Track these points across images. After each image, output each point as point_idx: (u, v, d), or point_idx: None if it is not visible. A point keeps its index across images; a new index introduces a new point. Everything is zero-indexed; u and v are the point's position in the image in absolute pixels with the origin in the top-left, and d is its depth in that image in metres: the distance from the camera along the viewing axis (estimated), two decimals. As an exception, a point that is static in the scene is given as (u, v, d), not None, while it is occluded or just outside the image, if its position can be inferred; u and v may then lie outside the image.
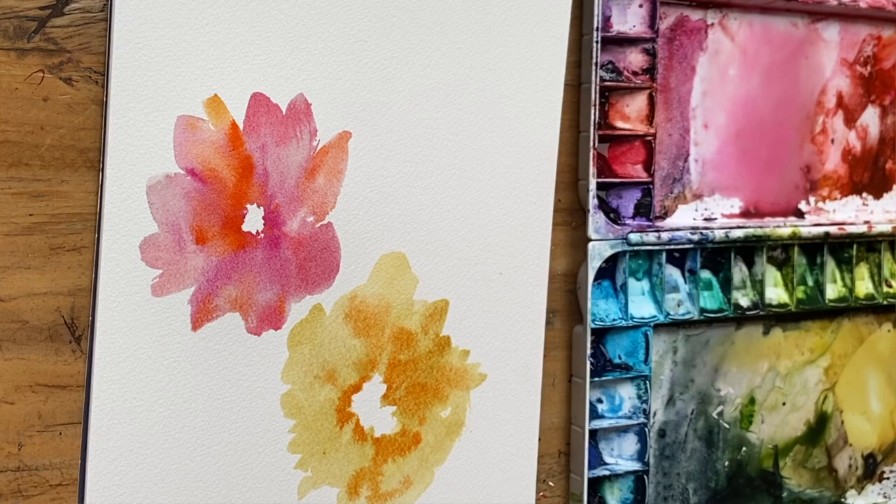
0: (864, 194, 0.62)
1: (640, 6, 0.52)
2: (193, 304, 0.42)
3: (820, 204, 0.60)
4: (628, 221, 0.52)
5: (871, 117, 0.62)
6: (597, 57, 0.50)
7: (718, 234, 0.54)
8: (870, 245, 0.61)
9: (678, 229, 0.53)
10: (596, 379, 0.51)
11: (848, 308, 0.60)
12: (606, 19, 0.51)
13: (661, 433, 0.55)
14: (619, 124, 0.52)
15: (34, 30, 0.39)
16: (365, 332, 0.46)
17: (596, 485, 0.52)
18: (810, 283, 0.59)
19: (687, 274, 0.54)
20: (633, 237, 0.52)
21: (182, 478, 0.42)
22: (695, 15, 0.55)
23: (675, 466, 0.55)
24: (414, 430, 0.48)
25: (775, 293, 0.57)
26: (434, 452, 0.49)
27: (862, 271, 0.61)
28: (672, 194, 0.55)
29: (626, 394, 0.53)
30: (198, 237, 0.41)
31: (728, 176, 0.56)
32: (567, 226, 0.52)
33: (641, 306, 0.53)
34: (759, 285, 0.56)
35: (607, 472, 0.52)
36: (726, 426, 0.57)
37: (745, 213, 0.57)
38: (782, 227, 0.57)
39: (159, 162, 0.40)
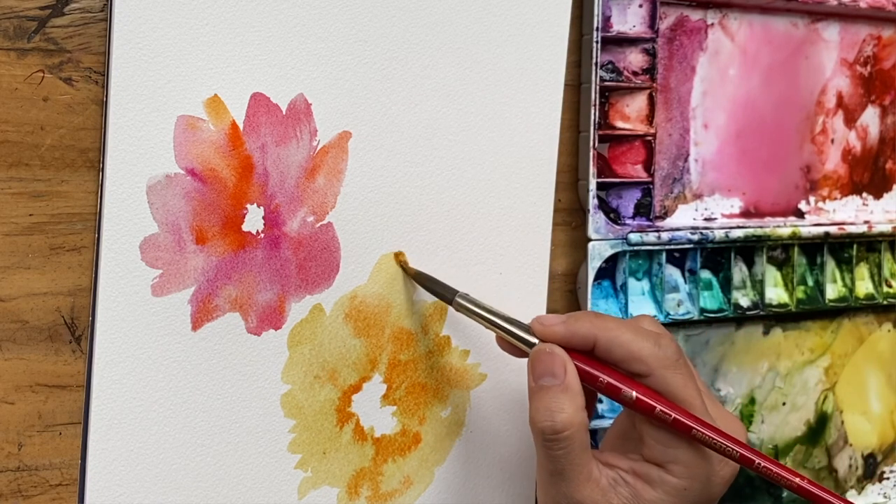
0: (864, 194, 0.62)
1: (640, 6, 0.52)
2: (193, 304, 0.42)
3: (820, 204, 0.60)
4: (628, 221, 0.52)
5: (871, 117, 0.62)
6: (597, 57, 0.50)
7: (718, 234, 0.54)
8: (870, 245, 0.61)
9: (678, 229, 0.53)
10: (596, 379, 0.51)
11: (848, 308, 0.60)
12: (606, 19, 0.51)
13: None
14: (619, 124, 0.52)
15: (34, 30, 0.39)
16: (365, 332, 0.46)
17: (596, 485, 0.52)
18: (810, 283, 0.59)
19: (687, 274, 0.54)
20: (633, 237, 0.52)
21: (182, 478, 0.42)
22: (695, 15, 0.55)
23: (675, 466, 0.55)
24: (414, 430, 0.48)
25: (775, 293, 0.57)
26: (434, 452, 0.49)
27: (862, 271, 0.61)
28: (672, 194, 0.55)
29: (626, 394, 0.53)
30: (198, 237, 0.41)
31: (728, 176, 0.56)
32: (567, 226, 0.52)
33: (641, 306, 0.53)
34: (759, 285, 0.56)
35: (607, 472, 0.52)
36: (726, 426, 0.57)
37: (745, 213, 0.57)
38: (782, 227, 0.57)
39: (159, 162, 0.40)
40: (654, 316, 0.53)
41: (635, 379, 0.41)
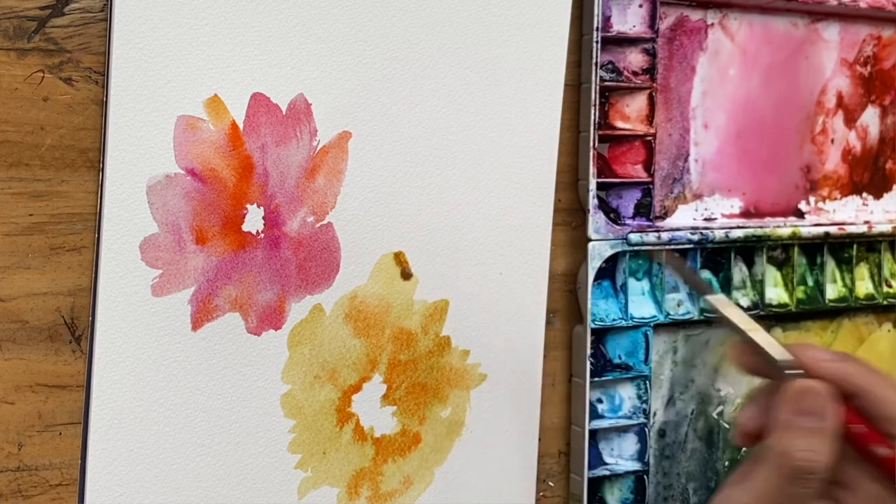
0: (864, 194, 0.62)
1: (640, 6, 0.52)
2: (193, 304, 0.42)
3: (820, 204, 0.60)
4: (628, 221, 0.52)
5: (871, 117, 0.62)
6: (597, 57, 0.50)
7: (718, 234, 0.54)
8: (870, 245, 0.61)
9: (678, 229, 0.53)
10: (596, 379, 0.51)
11: (848, 308, 0.60)
12: (606, 19, 0.51)
13: (661, 433, 0.55)
14: (619, 124, 0.52)
15: (34, 30, 0.39)
16: (365, 332, 0.46)
17: (596, 485, 0.52)
18: (810, 283, 0.59)
19: (687, 274, 0.55)
20: (633, 237, 0.51)
21: (182, 478, 0.42)
22: (695, 15, 0.55)
23: (675, 466, 0.55)
24: (414, 430, 0.48)
25: (775, 293, 0.57)
26: (434, 452, 0.49)
27: (862, 271, 0.61)
28: (672, 194, 0.55)
29: (626, 394, 0.53)
30: (198, 237, 0.41)
31: (728, 176, 0.56)
32: (567, 226, 0.52)
33: (641, 306, 0.53)
34: (759, 285, 0.56)
35: (607, 472, 0.52)
36: (726, 426, 0.57)
37: (745, 213, 0.57)
38: (782, 227, 0.57)
39: (159, 162, 0.40)
40: (654, 316, 0.53)
41: (886, 437, 0.40)
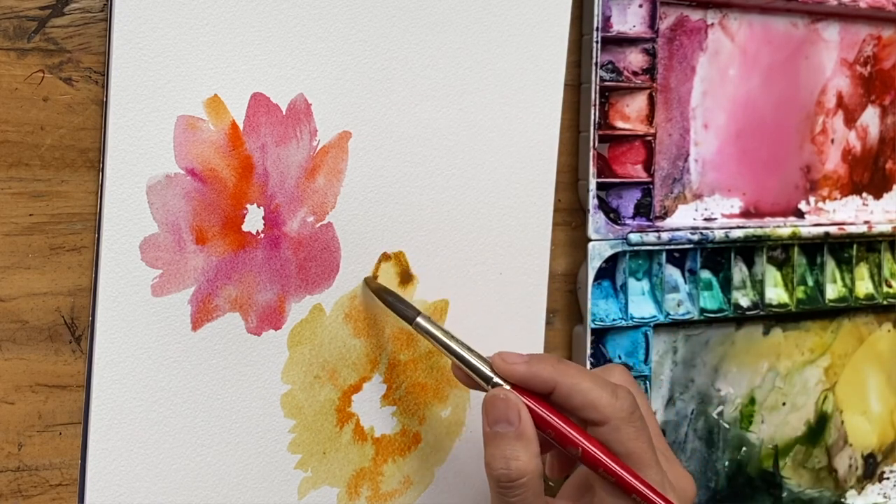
0: (864, 194, 0.62)
1: (640, 6, 0.52)
2: (193, 304, 0.42)
3: (820, 204, 0.60)
4: (628, 221, 0.52)
5: (871, 117, 0.62)
6: (597, 57, 0.50)
7: (718, 234, 0.54)
8: (870, 245, 0.61)
9: (678, 229, 0.53)
10: (596, 379, 0.51)
11: (848, 308, 0.60)
12: (606, 19, 0.51)
13: (661, 433, 0.55)
14: (619, 124, 0.52)
15: (34, 30, 0.39)
16: (365, 332, 0.46)
17: (596, 485, 0.52)
18: (810, 283, 0.59)
19: (687, 274, 0.54)
20: (633, 237, 0.52)
21: (182, 478, 0.42)
22: (695, 15, 0.55)
23: (675, 466, 0.55)
24: (414, 430, 0.48)
25: (775, 293, 0.57)
26: (434, 452, 0.49)
27: (862, 271, 0.61)
28: (672, 194, 0.55)
29: (626, 394, 0.53)
30: (198, 237, 0.41)
31: (728, 176, 0.56)
32: (567, 226, 0.52)
33: (641, 306, 0.53)
34: (759, 285, 0.56)
35: (607, 472, 0.52)
36: (726, 426, 0.57)
37: (745, 213, 0.57)
38: (782, 227, 0.57)
39: (159, 162, 0.40)
40: (654, 316, 0.53)
41: (590, 427, 0.41)
